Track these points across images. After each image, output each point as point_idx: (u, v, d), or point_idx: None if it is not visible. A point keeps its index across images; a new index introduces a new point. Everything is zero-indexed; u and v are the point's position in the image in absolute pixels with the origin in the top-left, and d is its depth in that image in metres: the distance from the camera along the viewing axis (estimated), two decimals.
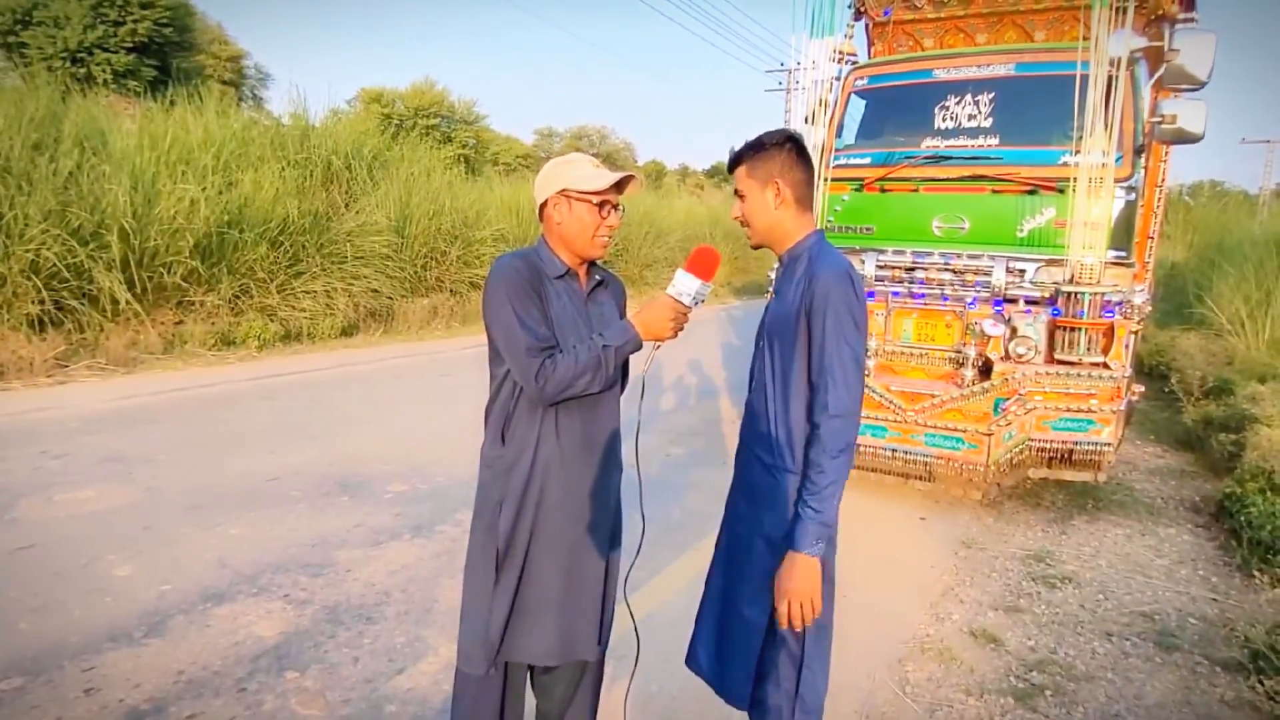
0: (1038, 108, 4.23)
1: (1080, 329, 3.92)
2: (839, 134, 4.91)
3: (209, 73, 22.02)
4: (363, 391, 6.72)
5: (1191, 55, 3.78)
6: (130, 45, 19.88)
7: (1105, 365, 3.95)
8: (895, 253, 4.50)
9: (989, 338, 4.19)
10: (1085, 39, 3.87)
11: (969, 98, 4.43)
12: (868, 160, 4.65)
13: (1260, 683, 2.66)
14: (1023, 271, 4.19)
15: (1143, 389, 4.97)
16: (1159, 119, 3.86)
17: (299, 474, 4.44)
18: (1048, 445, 4.04)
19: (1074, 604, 3.32)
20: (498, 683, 1.79)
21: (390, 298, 9.88)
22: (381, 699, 2.46)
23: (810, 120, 4.82)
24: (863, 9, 5.28)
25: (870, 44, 5.46)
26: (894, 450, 4.20)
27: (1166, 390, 7.07)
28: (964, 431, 4.01)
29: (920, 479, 4.27)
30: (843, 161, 4.74)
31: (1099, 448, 3.96)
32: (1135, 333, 4.43)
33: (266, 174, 8.81)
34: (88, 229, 6.90)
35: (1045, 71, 4.21)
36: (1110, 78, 3.82)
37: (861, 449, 4.16)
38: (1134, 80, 4.07)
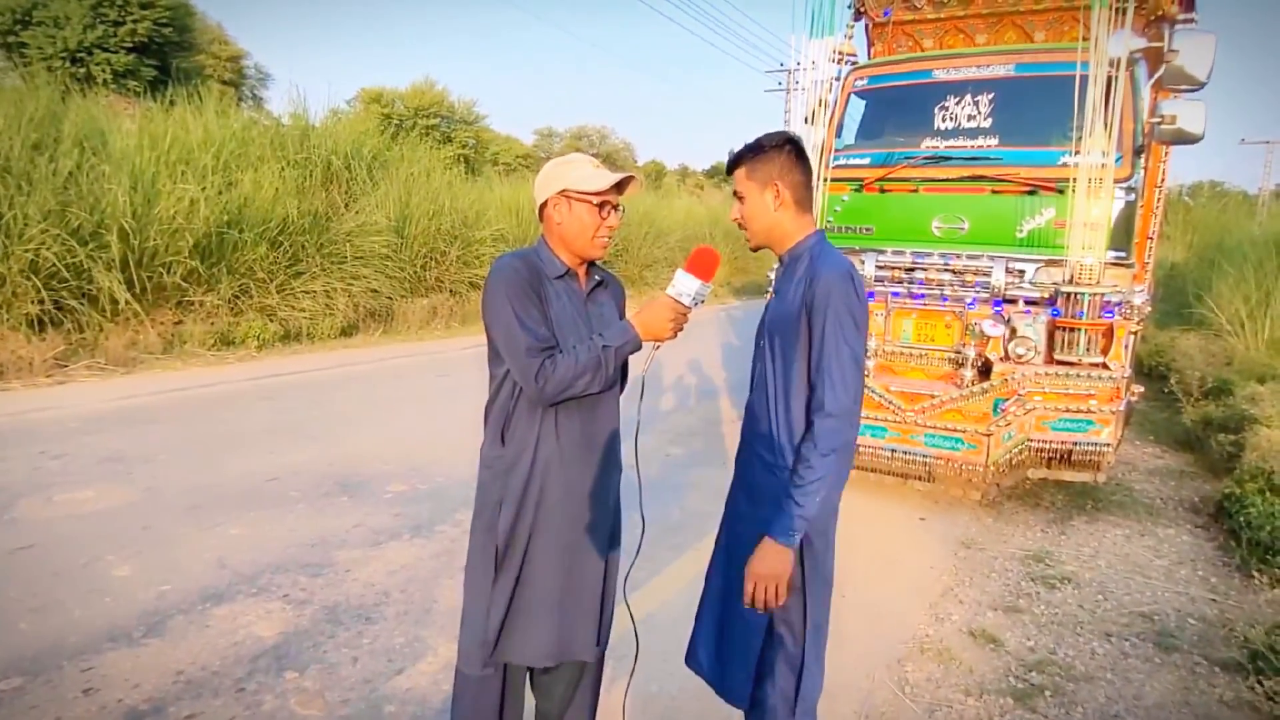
0: (1037, 108, 4.24)
1: (1080, 329, 3.92)
2: (838, 134, 4.91)
3: (209, 73, 22.02)
4: (362, 391, 6.72)
5: (1191, 56, 3.78)
6: (130, 45, 19.87)
7: (1104, 366, 3.95)
8: (895, 253, 4.50)
9: (988, 338, 4.19)
10: (1085, 39, 3.87)
11: (968, 98, 4.43)
12: (867, 160, 4.65)
13: (1259, 683, 2.66)
14: (1022, 272, 4.19)
15: (1142, 389, 4.97)
16: (1158, 119, 3.87)
17: (298, 474, 4.44)
18: (1047, 446, 4.04)
19: (1073, 604, 3.32)
20: (497, 683, 1.79)
21: (390, 298, 9.87)
22: (381, 699, 2.46)
23: (810, 120, 4.82)
24: (862, 9, 5.28)
25: (870, 44, 5.46)
26: (893, 450, 4.20)
27: (1166, 391, 7.07)
28: (963, 432, 4.02)
29: (920, 479, 4.27)
30: (842, 162, 4.74)
31: (1098, 448, 3.96)
32: (1135, 333, 4.43)
33: (266, 174, 8.81)
34: (87, 229, 6.90)
35: (1045, 72, 4.21)
36: (1110, 78, 3.82)
37: (861, 449, 4.16)
38: (1133, 81, 4.07)
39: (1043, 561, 3.74)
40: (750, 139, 1.76)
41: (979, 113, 4.39)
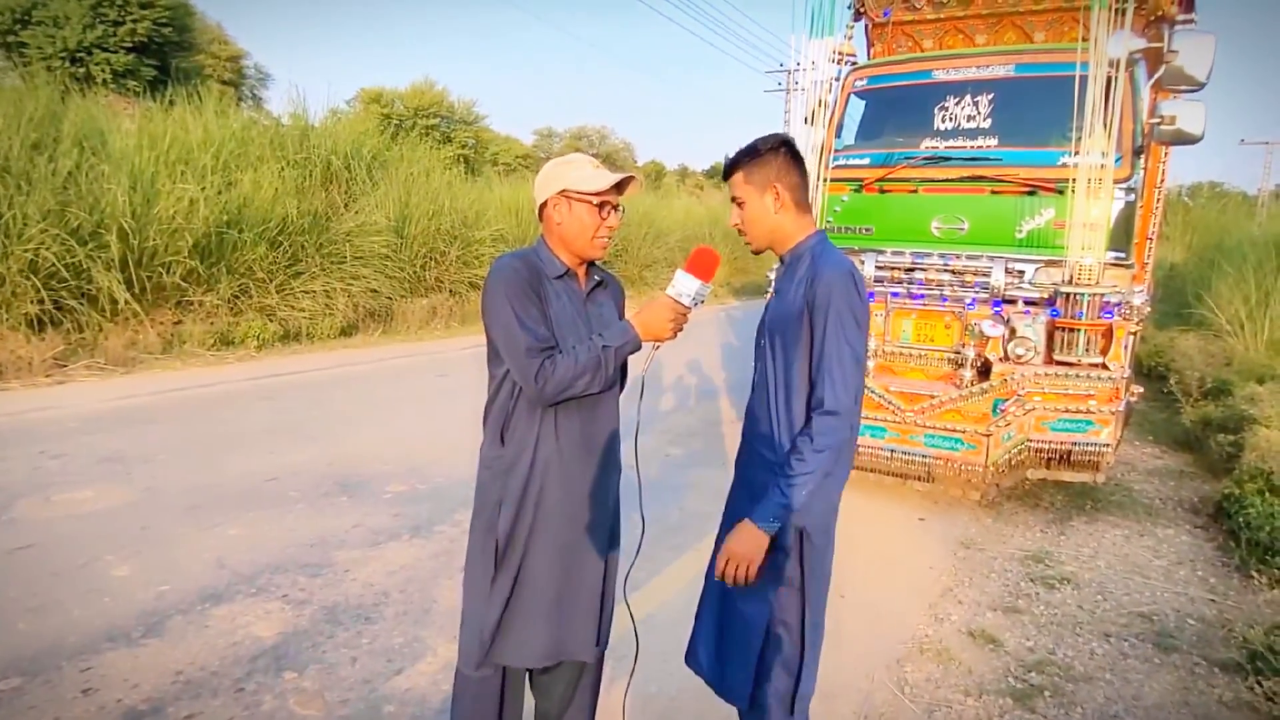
0: (1037, 109, 4.24)
1: (1079, 330, 3.92)
2: (838, 135, 4.91)
3: (208, 73, 22.02)
4: (362, 392, 6.72)
5: (1190, 56, 3.78)
6: (129, 45, 19.87)
7: (1104, 366, 3.95)
8: (894, 253, 4.50)
9: (988, 338, 4.19)
10: (1084, 40, 3.88)
11: (968, 98, 4.43)
12: (867, 161, 4.65)
13: (1258, 683, 2.66)
14: (1022, 272, 4.19)
15: (1141, 390, 4.97)
16: (1158, 120, 3.87)
17: (298, 474, 4.44)
18: (1046, 446, 4.04)
19: (1072, 605, 3.33)
20: (496, 683, 1.79)
21: (389, 298, 9.87)
22: (380, 699, 2.45)
23: (810, 121, 4.81)
24: (862, 10, 5.28)
25: (870, 45, 5.46)
26: (893, 451, 4.20)
27: (1165, 391, 7.07)
28: (963, 432, 4.02)
29: (919, 479, 4.27)
30: (842, 162, 4.74)
31: (1098, 448, 3.96)
32: (1134, 334, 4.44)
33: (266, 174, 8.81)
34: (87, 229, 6.90)
35: (1044, 72, 4.21)
36: (1109, 79, 3.82)
37: (860, 449, 4.16)
38: (1133, 81, 4.07)
39: (1042, 562, 3.75)
40: (745, 143, 1.77)
41: (978, 113, 4.39)
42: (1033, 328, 4.08)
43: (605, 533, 1.82)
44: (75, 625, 2.77)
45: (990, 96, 4.38)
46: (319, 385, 6.84)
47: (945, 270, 4.36)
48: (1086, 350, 3.94)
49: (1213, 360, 7.21)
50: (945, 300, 4.39)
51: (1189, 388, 6.60)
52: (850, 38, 5.12)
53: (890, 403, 4.16)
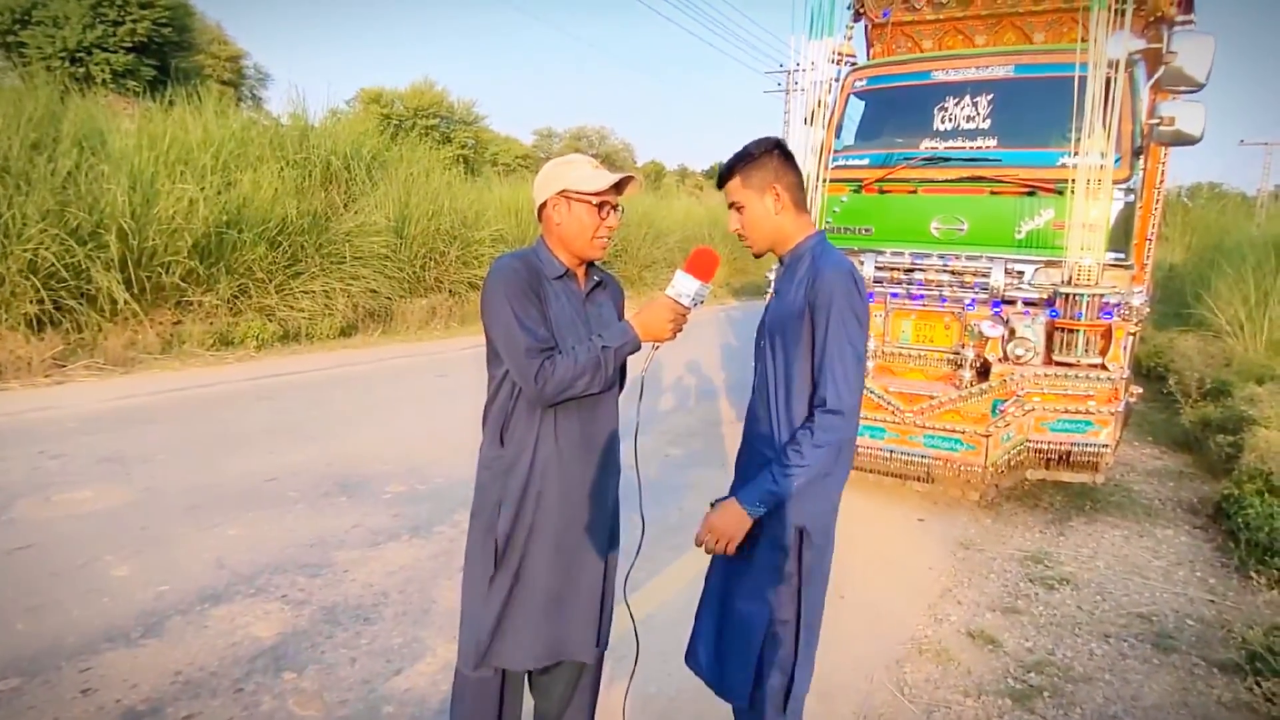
0: (1036, 109, 4.24)
1: (1078, 330, 3.92)
2: (838, 135, 4.91)
3: (208, 73, 22.02)
4: (361, 392, 6.72)
5: (1190, 57, 3.78)
6: (129, 45, 19.86)
7: (1103, 367, 3.95)
8: (894, 254, 4.50)
9: (987, 339, 4.19)
10: (1084, 41, 3.88)
11: (968, 99, 4.43)
12: (866, 161, 4.65)
13: (1257, 684, 2.66)
14: (1021, 273, 4.19)
15: (1141, 390, 4.98)
16: (1157, 121, 3.87)
17: (297, 474, 4.44)
18: (1046, 446, 4.04)
19: (1072, 605, 3.33)
20: (496, 683, 1.79)
21: (389, 298, 9.87)
22: (379, 700, 2.45)
23: (809, 121, 4.82)
24: (862, 10, 5.28)
25: (869, 45, 5.46)
26: (892, 451, 4.20)
27: (1165, 392, 7.08)
28: (962, 433, 4.02)
29: (918, 480, 4.27)
30: (841, 163, 4.74)
31: (1097, 449, 3.96)
32: (1133, 334, 4.44)
33: (265, 174, 8.81)
34: (86, 229, 6.90)
35: (1044, 73, 4.21)
36: (1109, 79, 3.82)
37: (860, 450, 4.16)
38: (1132, 82, 4.07)
39: (1041, 562, 3.75)
40: (741, 146, 1.78)
41: (978, 114, 4.39)
42: (1032, 328, 4.08)
43: (605, 533, 1.82)
44: (74, 625, 2.77)
45: (989, 97, 4.38)
46: (318, 385, 6.84)
47: (944, 271, 4.36)
48: (1086, 351, 3.94)
49: (1212, 361, 7.22)
50: (944, 301, 4.40)
51: (1188, 388, 6.61)
52: (850, 38, 5.13)
53: (889, 403, 4.16)
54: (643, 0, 48.00)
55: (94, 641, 2.67)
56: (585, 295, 1.79)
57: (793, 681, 1.72)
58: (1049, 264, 4.10)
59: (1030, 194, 4.13)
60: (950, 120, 4.47)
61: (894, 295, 4.52)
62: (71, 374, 6.40)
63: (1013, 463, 4.07)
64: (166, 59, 20.67)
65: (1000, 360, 4.14)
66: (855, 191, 4.64)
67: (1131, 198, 4.06)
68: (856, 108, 4.98)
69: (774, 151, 1.73)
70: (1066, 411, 3.98)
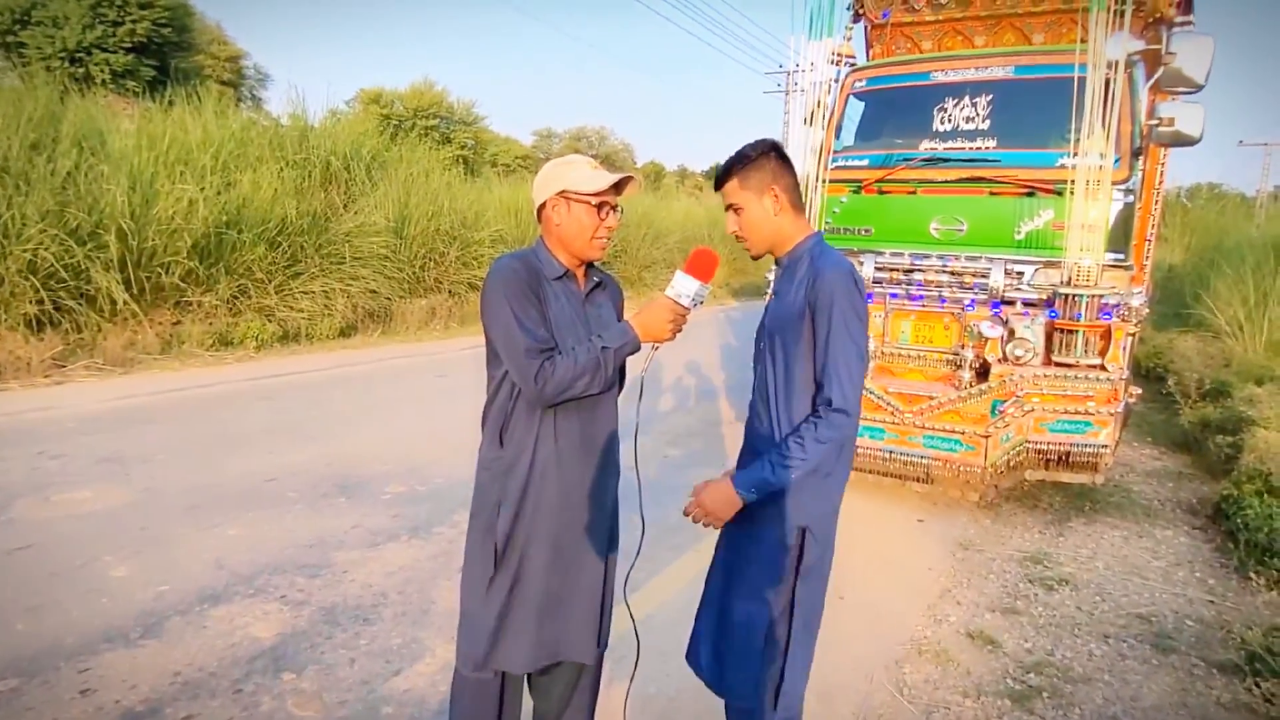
0: (1036, 110, 4.24)
1: (1078, 331, 3.93)
2: (837, 136, 4.91)
3: (208, 73, 22.02)
4: (361, 392, 6.72)
5: (1189, 58, 3.78)
6: (129, 45, 19.85)
7: (1102, 367, 3.95)
8: (893, 254, 4.50)
9: (986, 340, 4.19)
10: (1083, 42, 3.88)
11: (967, 100, 4.43)
12: (866, 162, 4.65)
13: (1256, 685, 2.66)
14: (1020, 273, 4.19)
15: (1140, 391, 4.98)
16: (1156, 122, 3.87)
17: (296, 475, 4.44)
18: (1045, 447, 4.04)
19: (1071, 606, 3.33)
20: (495, 684, 1.79)
21: (388, 298, 9.87)
22: (378, 700, 2.45)
23: (809, 122, 4.82)
24: (861, 11, 5.29)
25: (869, 46, 5.46)
26: (891, 452, 4.20)
27: (1164, 392, 7.08)
28: (961, 433, 4.02)
29: (918, 481, 4.27)
30: (841, 163, 4.74)
31: (1096, 450, 3.96)
32: (1133, 335, 4.44)
33: (265, 174, 8.81)
34: (85, 229, 6.90)
35: (1043, 74, 4.21)
36: (1108, 80, 3.83)
37: (859, 451, 4.15)
38: (1131, 83, 4.07)
39: (1041, 563, 3.75)
40: (739, 147, 1.78)
41: (977, 114, 4.39)
42: (1031, 329, 4.09)
43: (604, 534, 1.82)
44: (73, 626, 2.76)
45: (989, 98, 4.38)
46: (318, 386, 6.84)
47: (944, 271, 4.37)
48: (1085, 351, 3.94)
49: (1211, 362, 7.22)
50: (944, 301, 4.40)
51: (1187, 389, 6.61)
52: (849, 39, 5.14)
53: (889, 404, 4.16)
54: (642, 0, 47.98)
55: (93, 642, 2.67)
56: (585, 296, 1.79)
57: (783, 678, 1.73)
58: (1048, 265, 4.10)
59: (1029, 195, 4.13)
60: (950, 121, 4.47)
61: (893, 296, 4.53)
62: (71, 374, 6.40)
63: (1012, 463, 4.07)
64: (166, 59, 20.67)
65: (999, 361, 4.14)
66: (855, 192, 4.65)
67: (1131, 198, 4.07)
68: (856, 108, 4.98)
69: (771, 153, 1.74)
70: (1066, 412, 3.98)
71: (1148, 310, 5.12)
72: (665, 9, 31.18)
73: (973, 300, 4.30)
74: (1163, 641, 3.02)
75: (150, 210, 7.36)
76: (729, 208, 1.79)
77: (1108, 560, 3.83)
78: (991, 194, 4.24)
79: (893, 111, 4.83)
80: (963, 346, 4.29)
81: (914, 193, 4.49)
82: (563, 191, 1.70)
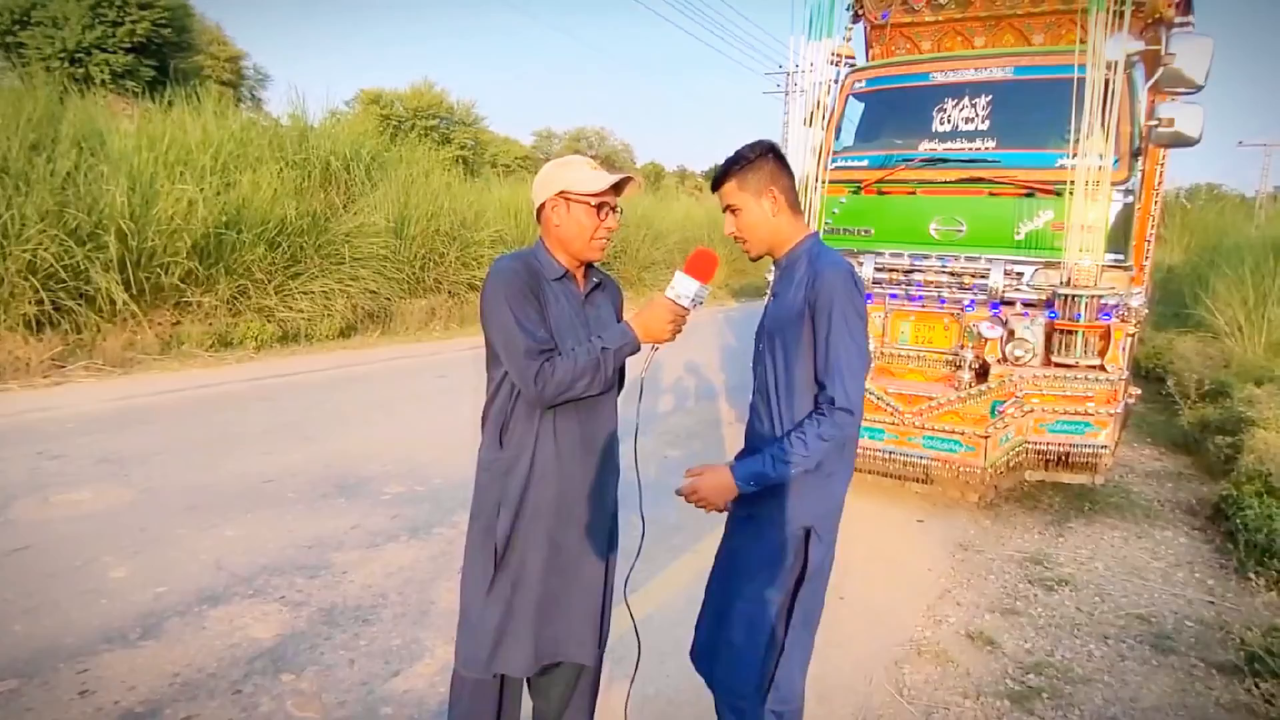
0: (1035, 111, 4.24)
1: (1077, 332, 3.93)
2: (837, 136, 4.91)
3: (207, 73, 22.02)
4: (360, 393, 6.71)
5: (1188, 59, 3.79)
6: (129, 46, 19.85)
7: (1102, 368, 3.95)
8: (893, 255, 4.50)
9: (986, 340, 4.19)
10: (1082, 42, 3.88)
11: (966, 100, 4.43)
12: (865, 163, 4.66)
13: (1256, 685, 2.66)
14: (1020, 274, 4.19)
15: (1140, 392, 4.98)
16: (1156, 122, 3.87)
17: (296, 475, 4.44)
18: (1045, 448, 4.04)
19: (1071, 606, 3.33)
20: (495, 685, 1.79)
21: (388, 299, 9.87)
22: (378, 701, 2.45)
23: (808, 122, 4.82)
24: (861, 11, 5.29)
25: (868, 46, 5.47)
26: (891, 453, 4.20)
27: (1164, 393, 7.08)
28: (961, 434, 4.02)
29: (918, 481, 4.27)
30: (841, 164, 4.74)
31: (1096, 450, 3.96)
32: (1132, 335, 4.44)
33: (265, 175, 8.81)
34: (85, 229, 6.90)
35: (1043, 75, 4.21)
36: (1107, 81, 3.83)
37: (859, 451, 4.14)
38: (1131, 84, 4.07)
39: (1040, 564, 3.75)
40: (737, 149, 1.78)
41: (977, 115, 4.40)
42: (1031, 329, 4.09)
43: (604, 534, 1.82)
44: (72, 626, 2.76)
45: (988, 98, 4.38)
46: (317, 386, 6.84)
47: (944, 272, 4.37)
48: (1084, 352, 3.95)
49: (1211, 362, 7.23)
50: (944, 302, 4.40)
51: (1187, 390, 6.61)
52: (849, 39, 5.14)
53: (889, 404, 4.16)
54: (642, 1, 48.00)
55: (92, 643, 2.67)
56: (584, 297, 1.79)
57: (774, 673, 1.73)
58: (1048, 265, 4.10)
59: (1029, 195, 4.13)
60: (949, 121, 4.47)
61: (893, 296, 4.53)
62: (70, 375, 6.40)
63: (1012, 464, 4.07)
64: (166, 59, 20.66)
65: (999, 361, 4.14)
66: (854, 193, 4.65)
67: (1130, 199, 4.07)
68: (856, 109, 4.99)
69: (768, 155, 1.75)
70: (1065, 413, 3.98)
71: (1147, 311, 5.12)
72: (665, 9, 31.28)
73: (972, 301, 4.30)
74: (1162, 642, 3.02)
75: (150, 210, 7.36)
76: (727, 209, 1.79)
77: (1107, 561, 3.83)
78: (991, 194, 4.24)
79: (892, 112, 4.83)
80: (962, 347, 4.29)
81: (913, 193, 4.49)
82: (562, 192, 1.70)
